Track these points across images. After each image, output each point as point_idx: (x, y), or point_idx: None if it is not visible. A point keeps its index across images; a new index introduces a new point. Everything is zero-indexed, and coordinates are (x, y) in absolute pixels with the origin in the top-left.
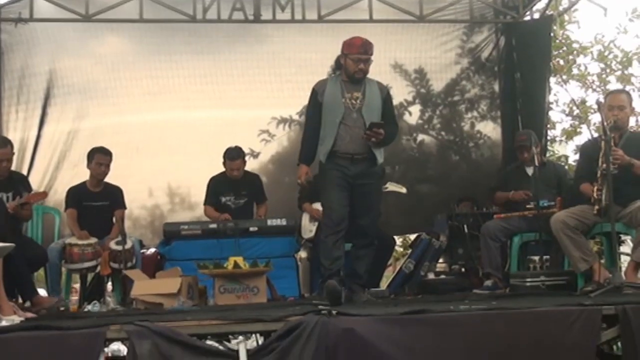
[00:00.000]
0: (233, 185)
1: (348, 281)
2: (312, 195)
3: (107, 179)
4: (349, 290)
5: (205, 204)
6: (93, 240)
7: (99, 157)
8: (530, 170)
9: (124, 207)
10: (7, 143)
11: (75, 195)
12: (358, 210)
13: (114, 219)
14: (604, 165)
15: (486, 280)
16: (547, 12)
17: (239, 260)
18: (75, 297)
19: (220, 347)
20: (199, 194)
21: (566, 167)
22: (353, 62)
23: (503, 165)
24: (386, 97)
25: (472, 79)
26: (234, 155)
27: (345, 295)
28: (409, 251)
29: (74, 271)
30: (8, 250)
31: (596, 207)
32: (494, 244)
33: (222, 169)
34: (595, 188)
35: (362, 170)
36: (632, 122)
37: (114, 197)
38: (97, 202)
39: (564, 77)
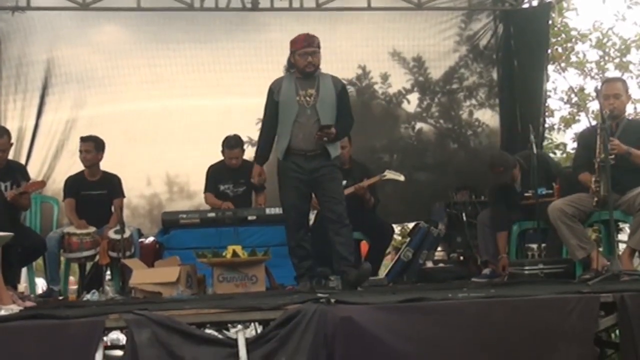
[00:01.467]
0: (232, 174)
1: (338, 266)
2: None
3: (105, 167)
4: (343, 274)
5: (205, 191)
6: (92, 229)
7: (80, 145)
8: (517, 185)
9: (123, 196)
10: (4, 133)
11: (73, 184)
12: (323, 199)
13: (112, 208)
14: (602, 156)
15: (484, 268)
16: None
17: (238, 249)
18: (73, 287)
19: (219, 336)
20: (198, 183)
21: (564, 154)
22: (300, 57)
23: None
24: (341, 90)
25: (470, 67)
26: (232, 144)
27: (342, 280)
28: (408, 239)
29: (73, 260)
30: (7, 240)
31: (595, 199)
32: (490, 231)
33: (221, 158)
34: (593, 180)
35: (316, 165)
36: (630, 109)
37: (112, 185)
38: (95, 191)
39: (562, 64)
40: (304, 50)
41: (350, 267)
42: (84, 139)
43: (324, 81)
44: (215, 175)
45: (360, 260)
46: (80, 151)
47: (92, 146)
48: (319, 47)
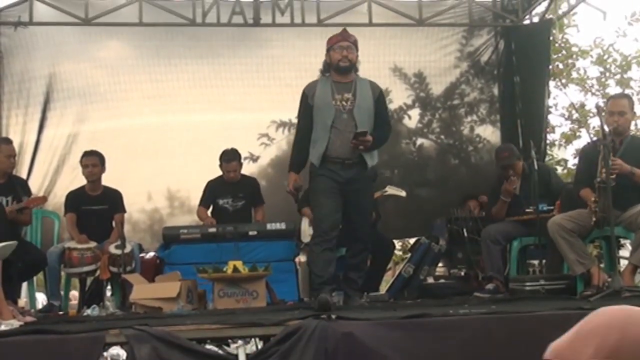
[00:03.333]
0: (230, 189)
1: (344, 286)
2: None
3: (106, 182)
4: (345, 296)
5: (199, 205)
6: (92, 244)
7: (85, 160)
8: (517, 187)
9: (124, 211)
10: (10, 142)
11: (74, 199)
12: (351, 215)
13: (113, 223)
14: (603, 176)
15: (488, 283)
16: (546, 15)
17: (238, 264)
18: (74, 302)
19: (220, 352)
20: (199, 198)
21: (565, 170)
22: (335, 51)
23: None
24: (379, 97)
25: (471, 83)
26: (230, 157)
27: (342, 300)
28: (409, 255)
29: (73, 275)
30: (12, 248)
31: (593, 218)
32: (495, 247)
33: (221, 173)
34: (593, 199)
35: (353, 175)
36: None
37: (113, 201)
38: (96, 206)
39: (563, 80)
40: (339, 44)
41: (356, 290)
42: (89, 153)
43: (361, 85)
44: (213, 190)
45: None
46: (86, 165)
47: (97, 160)
48: (355, 45)
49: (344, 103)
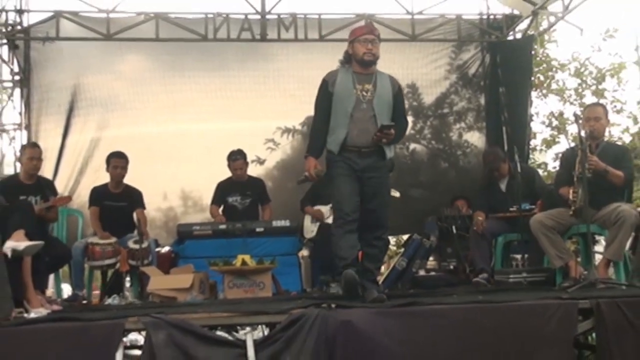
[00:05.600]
0: (239, 187)
1: (360, 278)
2: (313, 198)
3: (127, 182)
4: (361, 287)
5: (211, 204)
6: (113, 239)
7: (115, 161)
8: (503, 185)
9: (143, 208)
10: (36, 145)
11: (98, 194)
12: (368, 202)
13: (134, 218)
14: (580, 170)
15: (479, 274)
16: (528, 32)
17: (247, 258)
18: (96, 292)
19: (229, 337)
20: (210, 198)
21: (545, 173)
22: (361, 44)
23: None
24: (397, 91)
25: (460, 93)
26: (236, 156)
27: (361, 292)
28: (402, 250)
29: (96, 268)
30: (39, 248)
31: (572, 208)
32: (482, 242)
33: (230, 174)
34: (572, 191)
35: (370, 163)
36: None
37: (133, 198)
38: (117, 203)
39: (544, 91)
40: (365, 37)
41: (372, 281)
42: (120, 156)
43: (381, 78)
44: (223, 190)
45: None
46: (116, 167)
47: (126, 163)
48: (379, 39)
49: (364, 93)
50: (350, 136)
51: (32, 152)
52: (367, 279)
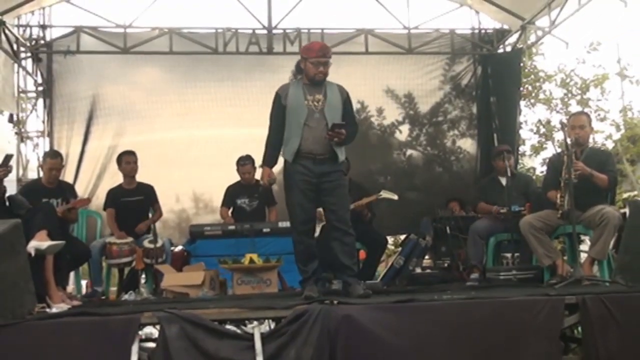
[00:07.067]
0: (247, 190)
1: (341, 275)
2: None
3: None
4: (344, 284)
5: (221, 206)
6: (129, 239)
7: (127, 157)
8: (504, 181)
9: (157, 202)
10: (58, 155)
11: (114, 195)
12: (329, 204)
13: (149, 214)
14: (567, 175)
15: (470, 272)
16: (517, 45)
17: (254, 256)
18: (113, 288)
19: (238, 331)
20: (220, 200)
21: (534, 177)
22: (313, 65)
23: (480, 175)
24: (346, 99)
25: (453, 103)
26: (245, 161)
27: (342, 289)
28: (399, 249)
29: (113, 265)
30: (60, 247)
31: (559, 211)
32: (480, 241)
33: (239, 178)
34: (559, 195)
35: (325, 169)
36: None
37: (148, 192)
38: (133, 197)
39: (532, 100)
40: (318, 60)
41: (353, 277)
42: (130, 153)
43: (330, 88)
44: (232, 193)
45: (359, 266)
46: (128, 162)
47: (136, 158)
48: (330, 57)
49: (315, 103)
50: (305, 144)
51: (52, 163)
52: (348, 276)
